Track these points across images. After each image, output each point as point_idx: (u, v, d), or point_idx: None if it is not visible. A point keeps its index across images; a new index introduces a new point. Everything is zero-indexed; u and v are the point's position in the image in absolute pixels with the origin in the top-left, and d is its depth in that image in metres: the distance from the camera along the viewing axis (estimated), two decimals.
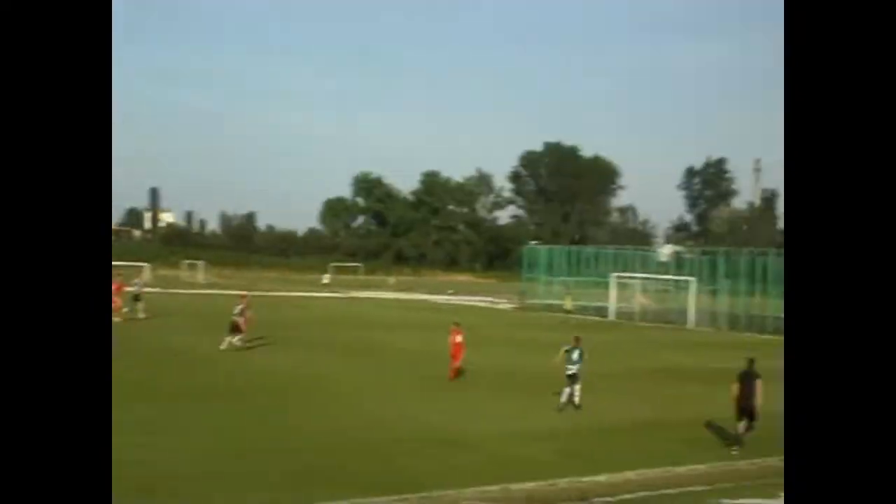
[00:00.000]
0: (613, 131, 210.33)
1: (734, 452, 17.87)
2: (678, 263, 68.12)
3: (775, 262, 56.64)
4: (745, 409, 18.15)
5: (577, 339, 23.42)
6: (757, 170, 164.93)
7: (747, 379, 18.32)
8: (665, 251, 78.75)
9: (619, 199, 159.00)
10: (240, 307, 32.61)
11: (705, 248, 79.89)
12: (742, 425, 18.23)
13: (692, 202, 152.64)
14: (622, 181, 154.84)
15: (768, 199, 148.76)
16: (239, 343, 31.81)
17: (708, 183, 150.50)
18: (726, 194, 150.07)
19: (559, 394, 22.46)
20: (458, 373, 27.00)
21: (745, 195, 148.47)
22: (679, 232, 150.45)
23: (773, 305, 55.44)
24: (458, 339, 27.12)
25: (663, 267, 68.26)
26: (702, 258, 63.06)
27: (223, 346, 31.29)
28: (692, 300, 56.13)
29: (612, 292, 60.64)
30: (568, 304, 56.04)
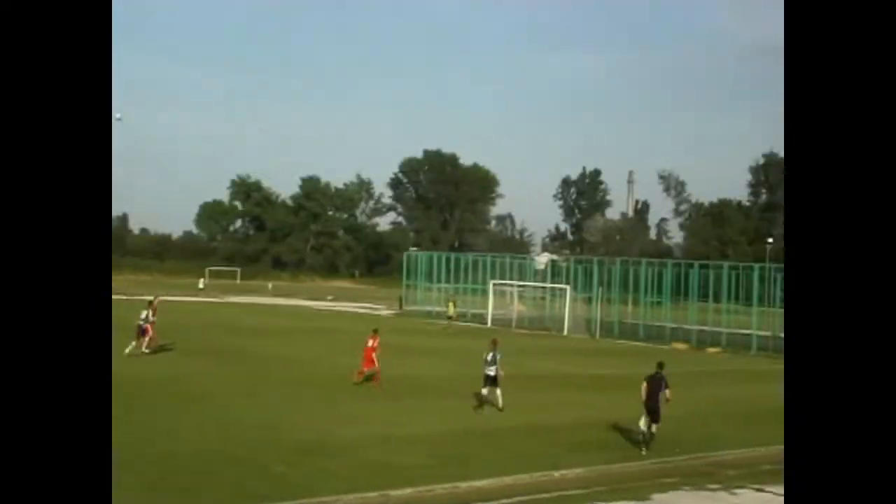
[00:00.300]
0: (492, 140, 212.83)
1: (643, 452, 18.58)
2: (554, 271, 69.26)
3: (647, 271, 58.41)
4: (650, 410, 18.92)
5: (495, 342, 23.88)
6: (630, 181, 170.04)
7: (654, 381, 19.15)
8: (542, 259, 79.93)
9: (498, 208, 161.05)
10: (146, 312, 31.55)
11: (580, 256, 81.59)
12: (643, 422, 18.97)
13: (568, 212, 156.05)
14: (501, 190, 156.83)
15: (641, 209, 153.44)
16: (146, 350, 30.92)
17: (583, 193, 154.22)
18: (601, 204, 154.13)
19: (477, 395, 23.31)
20: (365, 377, 26.73)
21: (619, 206, 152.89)
22: (555, 241, 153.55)
23: (644, 313, 57.19)
24: (371, 343, 26.98)
25: (540, 275, 69.30)
26: (577, 266, 64.30)
27: (127, 351, 29.87)
28: (567, 307, 57.16)
29: (490, 299, 61.20)
30: (451, 310, 56.14)
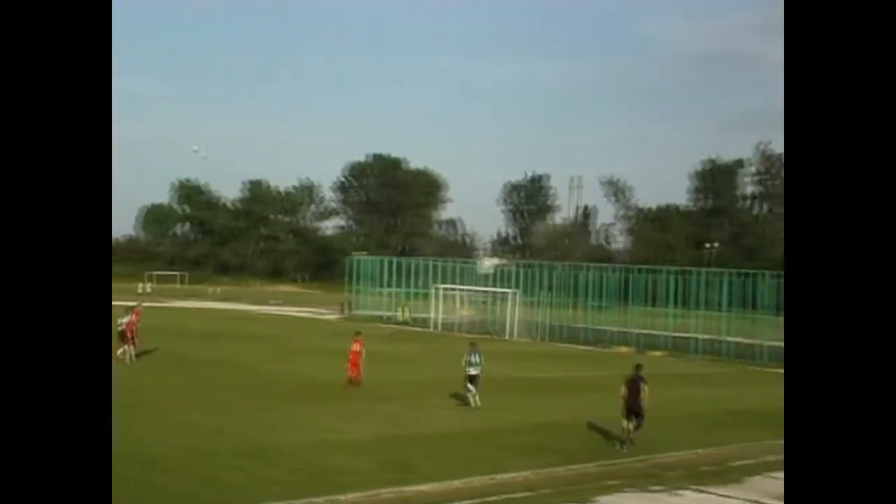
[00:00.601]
0: (439, 145, 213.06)
1: (624, 451, 19.49)
2: (500, 276, 69.53)
3: (591, 275, 58.89)
4: (633, 410, 19.96)
5: (473, 344, 25.67)
6: (576, 187, 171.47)
7: (634, 383, 20.20)
8: (487, 263, 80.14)
9: (445, 212, 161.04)
10: (127, 318, 31.88)
11: (525, 261, 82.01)
12: (630, 425, 19.92)
13: (513, 216, 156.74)
14: (447, 194, 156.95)
15: (585, 214, 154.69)
16: (131, 355, 31.46)
17: (529, 198, 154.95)
18: (546, 209, 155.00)
19: (461, 396, 25.13)
20: (354, 383, 27.20)
21: (564, 211, 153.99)
22: (501, 245, 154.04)
23: (588, 317, 57.67)
24: (356, 347, 27.82)
25: (485, 279, 69.51)
26: (522, 271, 64.59)
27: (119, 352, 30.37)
28: (512, 312, 57.39)
29: (436, 304, 61.17)
30: (403, 315, 56.02)
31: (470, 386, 24.87)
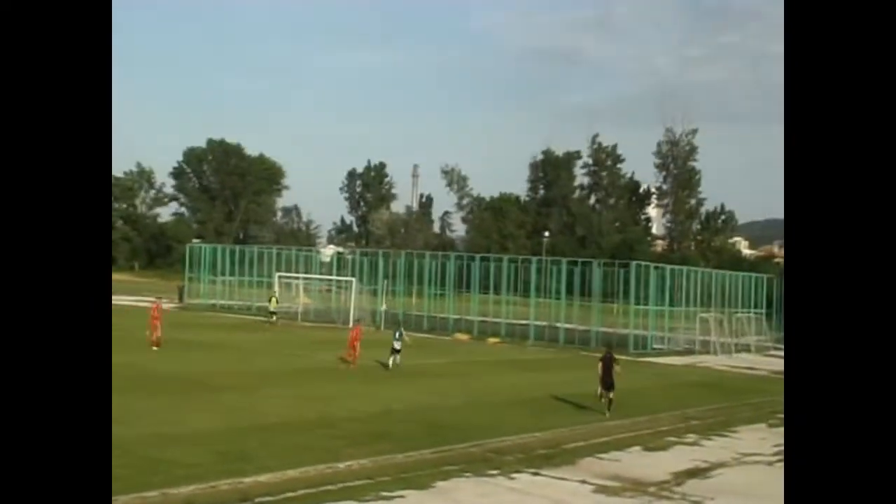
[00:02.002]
0: (278, 132, 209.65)
1: (606, 415, 24.17)
2: (340, 264, 69.40)
3: (431, 264, 59.58)
4: (606, 384, 24.71)
5: (398, 323, 34.48)
6: (415, 175, 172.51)
7: (606, 361, 25.01)
8: (327, 252, 79.71)
9: (284, 199, 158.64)
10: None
11: (366, 249, 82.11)
12: (607, 394, 24.67)
13: (354, 204, 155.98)
14: (287, 181, 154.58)
15: (425, 203, 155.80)
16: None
17: (369, 186, 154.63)
18: (386, 198, 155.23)
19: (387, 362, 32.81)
20: (352, 363, 32.81)
21: (404, 199, 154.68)
22: (341, 233, 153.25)
23: (428, 305, 58.33)
24: (354, 333, 34.23)
25: (326, 267, 69.13)
26: (362, 259, 64.65)
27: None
28: (353, 300, 57.32)
29: (276, 292, 60.20)
30: (272, 305, 54.64)
31: (392, 358, 33.12)
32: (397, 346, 33.40)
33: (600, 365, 25.16)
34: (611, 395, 24.70)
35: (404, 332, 34.30)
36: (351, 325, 46.11)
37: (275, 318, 53.79)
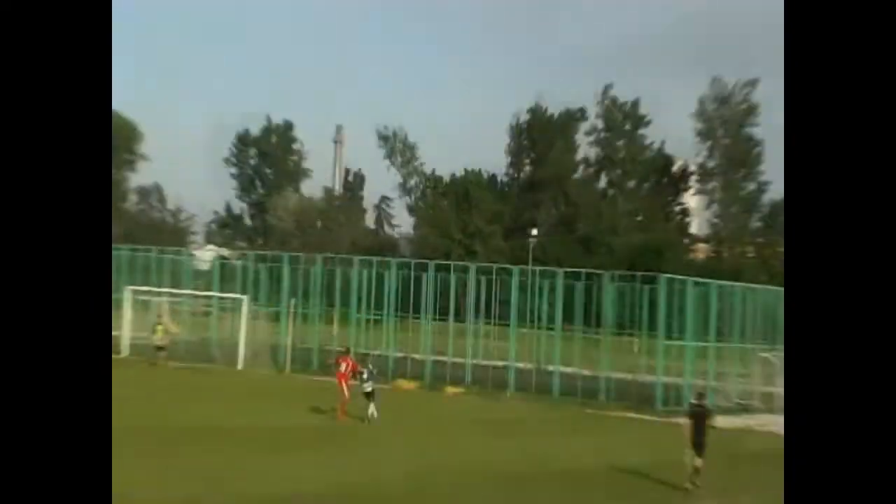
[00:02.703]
0: (133, 85, 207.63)
1: (690, 487, 25.73)
2: (224, 273, 68.84)
3: (363, 275, 59.42)
4: (697, 444, 26.35)
5: (364, 357, 38.38)
6: (337, 142, 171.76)
7: (698, 415, 26.78)
8: (205, 255, 79.50)
9: (140, 176, 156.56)
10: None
11: (264, 251, 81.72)
12: (696, 461, 26.18)
13: (245, 184, 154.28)
14: (144, 148, 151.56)
15: (353, 183, 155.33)
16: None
17: (267, 157, 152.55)
18: (294, 175, 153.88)
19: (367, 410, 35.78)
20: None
21: (322, 177, 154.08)
22: (225, 228, 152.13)
23: (358, 337, 57.88)
24: (344, 367, 37.43)
25: (203, 278, 68.79)
26: (258, 266, 64.25)
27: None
28: (243, 328, 56.86)
29: (127, 314, 59.36)
30: (159, 334, 54.35)
31: (371, 404, 35.97)
32: (368, 387, 36.23)
33: (690, 423, 27.04)
34: (698, 462, 26.41)
35: (373, 369, 37.50)
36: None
37: (163, 354, 53.85)
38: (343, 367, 37.20)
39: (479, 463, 29.78)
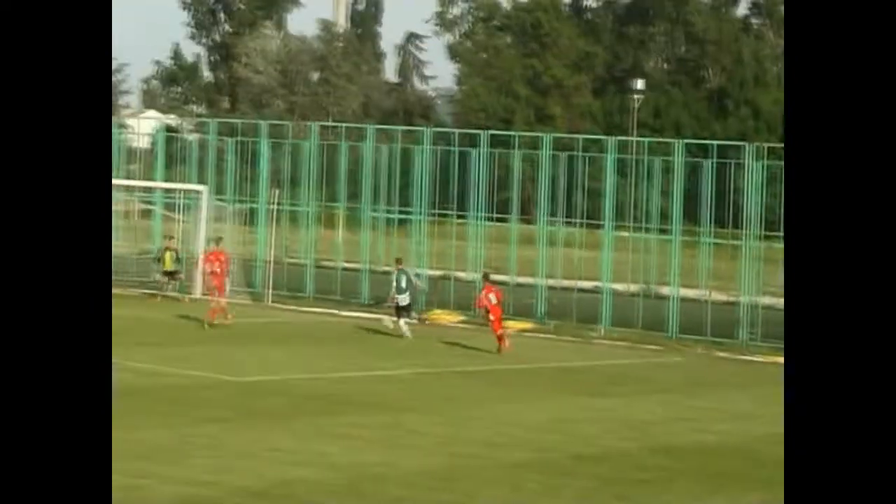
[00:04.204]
0: None
1: None
2: (173, 152, 68.74)
3: (379, 153, 59.13)
4: None
5: (399, 261, 43.63)
6: None
7: None
8: (144, 125, 79.65)
9: None
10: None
11: (231, 118, 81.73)
12: None
13: (202, 20, 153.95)
14: None
15: (363, 14, 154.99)
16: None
17: None
18: (276, 2, 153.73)
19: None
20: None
21: (318, 6, 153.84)
22: (174, 83, 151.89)
23: (370, 244, 57.78)
24: (211, 262, 43.63)
25: (143, 159, 68.94)
26: (224, 141, 64.03)
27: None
28: (202, 234, 56.15)
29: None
30: (168, 263, 55.10)
31: (398, 320, 41.86)
32: (404, 300, 42.43)
33: None
34: None
35: (413, 277, 42.63)
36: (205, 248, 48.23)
37: (171, 285, 55.79)
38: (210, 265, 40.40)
39: (558, 433, 29.81)
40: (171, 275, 55.86)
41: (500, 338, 43.46)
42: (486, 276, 44.11)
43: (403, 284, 41.83)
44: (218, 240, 45.32)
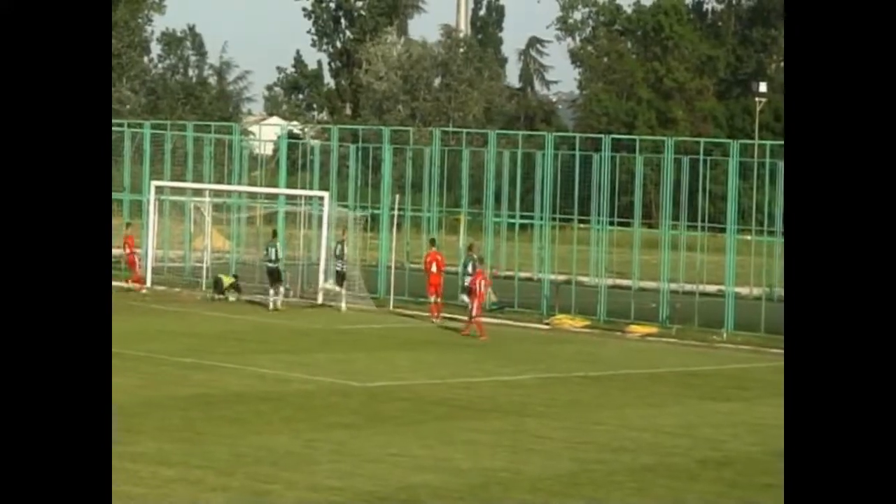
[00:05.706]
0: None
1: None
2: (295, 159, 69.02)
3: (501, 158, 59.25)
4: None
5: (472, 247, 46.29)
6: None
7: None
8: (267, 132, 79.92)
9: (169, 18, 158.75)
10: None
11: (353, 125, 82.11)
12: None
13: (324, 27, 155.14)
14: None
15: (485, 20, 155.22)
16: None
17: None
18: (399, 9, 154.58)
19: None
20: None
21: (440, 13, 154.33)
22: (295, 91, 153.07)
23: (493, 248, 57.88)
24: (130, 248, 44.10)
25: (265, 167, 69.15)
26: (345, 148, 64.35)
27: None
28: (324, 240, 56.50)
29: (151, 223, 59.40)
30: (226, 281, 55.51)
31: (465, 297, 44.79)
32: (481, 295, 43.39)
33: None
34: None
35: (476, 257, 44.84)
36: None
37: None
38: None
39: (682, 438, 29.82)
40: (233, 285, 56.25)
41: (478, 323, 46.10)
42: (470, 247, 48.26)
43: (469, 269, 43.88)
44: (431, 241, 49.36)
